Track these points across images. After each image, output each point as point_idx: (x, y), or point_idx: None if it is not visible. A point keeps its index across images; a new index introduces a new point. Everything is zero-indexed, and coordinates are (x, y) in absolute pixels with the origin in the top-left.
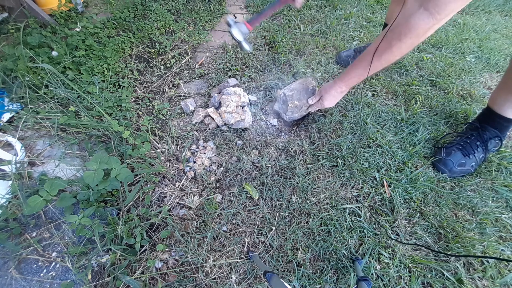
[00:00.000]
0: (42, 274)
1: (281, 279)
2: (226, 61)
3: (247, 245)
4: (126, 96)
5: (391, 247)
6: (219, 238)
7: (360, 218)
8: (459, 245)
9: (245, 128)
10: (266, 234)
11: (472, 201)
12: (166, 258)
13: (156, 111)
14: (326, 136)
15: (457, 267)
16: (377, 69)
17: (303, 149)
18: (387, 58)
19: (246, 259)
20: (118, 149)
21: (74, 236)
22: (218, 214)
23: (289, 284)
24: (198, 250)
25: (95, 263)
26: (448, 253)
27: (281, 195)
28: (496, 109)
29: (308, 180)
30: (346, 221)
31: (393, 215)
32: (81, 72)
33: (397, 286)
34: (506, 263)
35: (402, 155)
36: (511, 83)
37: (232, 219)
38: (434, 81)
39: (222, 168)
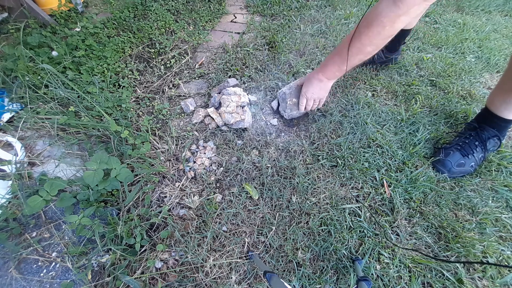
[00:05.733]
0: (42, 274)
1: (281, 279)
2: (226, 61)
3: (247, 245)
4: (126, 96)
5: (391, 247)
6: (219, 238)
7: (360, 218)
8: (459, 245)
9: (245, 128)
10: (266, 234)
11: (472, 201)
12: (166, 258)
13: (156, 111)
14: (326, 136)
15: (457, 267)
16: (352, 61)
17: (303, 149)
18: (358, 47)
19: (246, 259)
20: (118, 149)
21: (74, 236)
22: (218, 214)
23: (289, 284)
24: (198, 250)
25: (95, 263)
26: (446, 259)
27: (281, 195)
28: (493, 110)
29: (308, 180)
30: (346, 221)
31: (393, 215)
32: (81, 72)
33: (397, 286)
34: (506, 263)
35: (402, 155)
36: (509, 84)
37: (232, 219)
38: (434, 81)
39: (222, 168)
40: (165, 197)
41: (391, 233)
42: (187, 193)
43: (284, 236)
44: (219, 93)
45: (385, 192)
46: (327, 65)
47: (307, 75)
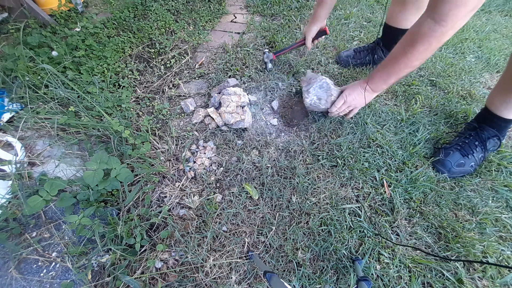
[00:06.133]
0: (42, 274)
1: (281, 279)
2: (226, 61)
3: (247, 245)
4: (126, 96)
5: (391, 247)
6: (219, 238)
7: (360, 218)
8: (459, 245)
9: (245, 128)
10: (266, 234)
11: (472, 201)
12: (166, 258)
13: (156, 111)
14: (326, 136)
15: (457, 267)
16: (399, 75)
17: (303, 149)
18: (405, 62)
19: (246, 259)
20: (118, 149)
21: (74, 236)
22: (218, 214)
23: (289, 284)
24: (198, 250)
25: (95, 263)
26: (445, 256)
27: (281, 195)
28: (493, 110)
29: (308, 180)
30: (346, 221)
31: (393, 215)
32: (81, 72)
33: (397, 286)
34: (506, 263)
35: (402, 155)
36: (508, 84)
37: (232, 219)
38: (434, 81)
39: (222, 168)
40: (165, 197)
41: (391, 233)
42: (187, 193)
43: (284, 236)
44: (219, 93)
45: (385, 192)
46: (373, 77)
47: (353, 83)
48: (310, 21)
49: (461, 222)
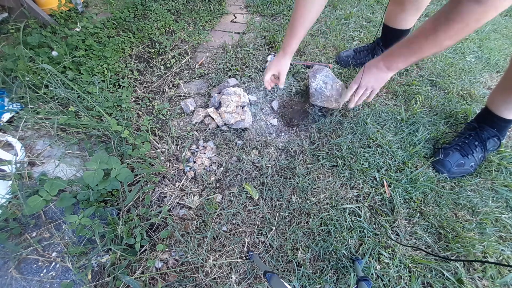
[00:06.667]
0: (42, 274)
1: (281, 279)
2: (226, 61)
3: (247, 245)
4: (126, 96)
5: (391, 247)
6: (219, 238)
7: (360, 218)
8: (459, 245)
9: (245, 128)
10: (266, 234)
11: (472, 201)
12: (166, 258)
13: (156, 111)
14: (326, 136)
15: (457, 267)
16: (423, 54)
17: (303, 149)
18: (434, 40)
19: (246, 259)
20: (118, 149)
21: (74, 236)
22: (218, 214)
23: (289, 284)
24: (198, 250)
25: (95, 263)
26: (446, 256)
27: (281, 195)
28: (494, 110)
29: (308, 180)
30: (346, 221)
31: (393, 215)
32: (81, 72)
33: (397, 286)
34: (506, 263)
35: (402, 155)
36: (509, 84)
37: (232, 219)
38: (434, 81)
39: (222, 168)
40: (165, 197)
41: (391, 233)
42: (187, 193)
43: (284, 236)
44: (219, 93)
45: (385, 192)
46: (391, 55)
47: (365, 64)
48: (281, 52)
49: (461, 222)
